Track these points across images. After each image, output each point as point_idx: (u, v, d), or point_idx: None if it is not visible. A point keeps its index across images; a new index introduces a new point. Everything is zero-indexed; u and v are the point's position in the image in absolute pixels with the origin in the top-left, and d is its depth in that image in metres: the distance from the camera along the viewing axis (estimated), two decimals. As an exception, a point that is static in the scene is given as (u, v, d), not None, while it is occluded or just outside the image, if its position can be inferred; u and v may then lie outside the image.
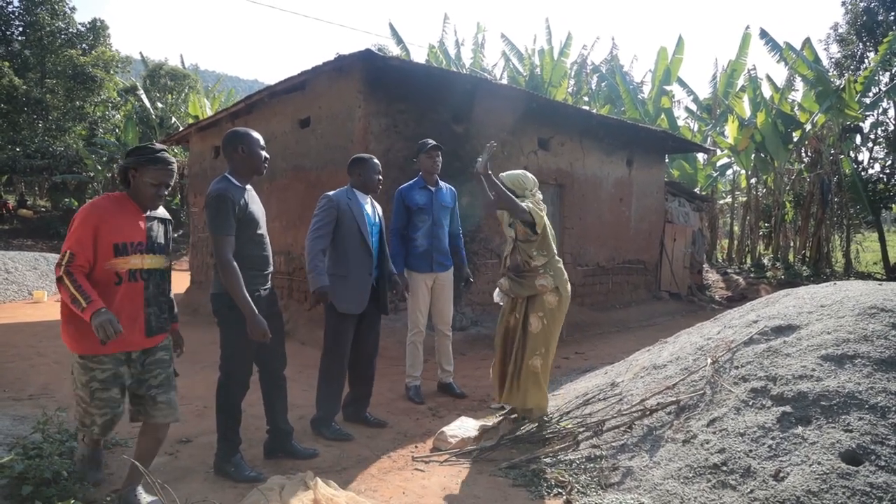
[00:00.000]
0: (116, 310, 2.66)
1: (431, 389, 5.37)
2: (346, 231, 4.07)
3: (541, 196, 4.12)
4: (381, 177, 4.31)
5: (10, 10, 25.34)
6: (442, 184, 5.15)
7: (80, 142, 23.67)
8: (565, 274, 4.04)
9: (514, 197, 3.91)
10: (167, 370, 2.94)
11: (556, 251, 4.05)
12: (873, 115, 18.22)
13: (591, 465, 3.37)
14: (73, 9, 26.39)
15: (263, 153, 3.39)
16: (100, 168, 22.54)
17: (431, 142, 5.02)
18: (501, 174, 4.10)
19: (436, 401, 5.07)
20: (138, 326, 2.79)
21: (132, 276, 2.76)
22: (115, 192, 2.84)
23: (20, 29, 25.62)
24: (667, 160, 14.88)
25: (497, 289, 4.18)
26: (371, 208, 4.27)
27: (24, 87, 23.17)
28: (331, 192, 4.17)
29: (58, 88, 24.22)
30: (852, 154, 18.21)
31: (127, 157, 2.81)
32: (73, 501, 2.63)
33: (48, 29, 25.01)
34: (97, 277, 2.68)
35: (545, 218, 4.02)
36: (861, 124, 17.50)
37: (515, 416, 4.13)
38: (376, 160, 4.31)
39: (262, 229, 3.43)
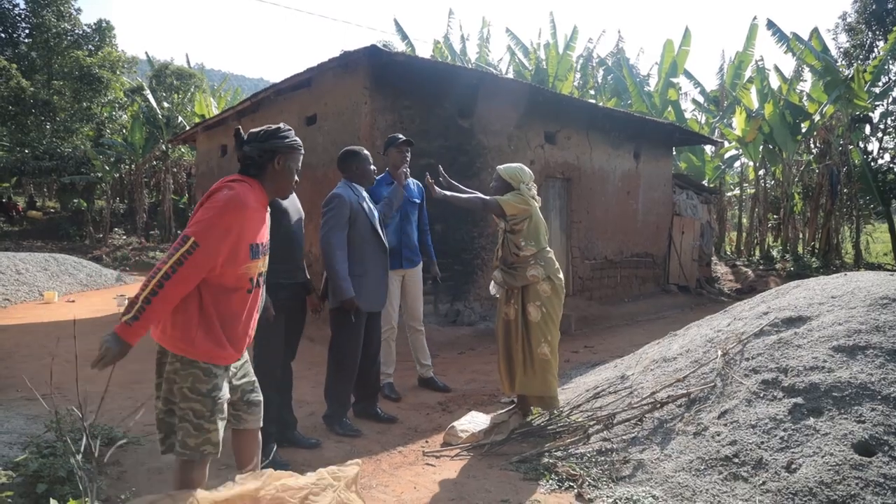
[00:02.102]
0: (245, 318, 2.45)
1: (448, 385, 5.36)
2: (361, 230, 4.04)
3: (535, 189, 4.16)
4: (374, 166, 4.30)
5: (16, 12, 25.49)
6: (410, 180, 5.10)
7: (87, 143, 23.77)
8: (556, 264, 4.10)
9: (478, 194, 4.20)
10: (251, 371, 2.71)
11: (546, 242, 4.10)
12: (883, 105, 18.07)
13: (602, 458, 3.37)
14: (78, 10, 26.50)
15: None
16: (108, 169, 22.62)
17: (402, 136, 4.96)
18: (499, 167, 4.20)
19: (445, 396, 5.07)
20: (251, 332, 2.55)
21: (258, 281, 2.49)
22: (243, 178, 2.43)
23: (27, 31, 25.77)
24: (674, 153, 14.82)
25: (492, 281, 4.21)
26: (368, 202, 4.25)
27: (32, 88, 23.29)
28: (338, 191, 4.09)
29: (65, 90, 24.34)
30: (862, 144, 18.05)
31: (269, 140, 2.46)
32: (87, 499, 2.64)
33: (54, 31, 25.11)
34: (228, 284, 2.35)
35: (537, 209, 4.07)
36: (870, 114, 17.33)
37: (523, 410, 4.13)
38: (367, 152, 4.29)
39: (289, 223, 3.51)
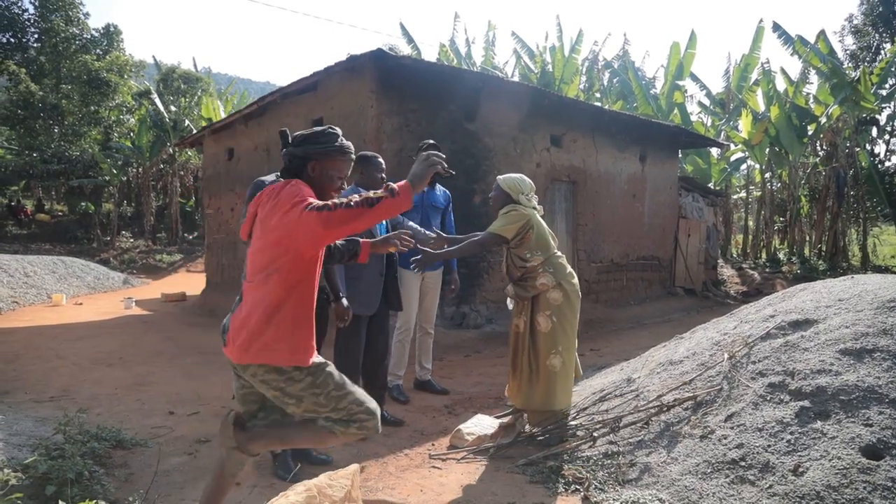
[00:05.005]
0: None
1: (454, 388, 5.38)
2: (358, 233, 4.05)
3: (536, 199, 4.08)
4: (384, 175, 4.31)
5: (25, 17, 25.67)
6: (436, 185, 5.14)
7: (95, 146, 23.88)
8: (568, 268, 3.96)
9: (471, 240, 3.99)
10: None
11: (554, 248, 3.98)
12: (890, 107, 17.99)
13: (609, 461, 3.36)
14: (86, 14, 26.64)
15: None
16: (115, 172, 22.77)
17: (430, 142, 5.03)
18: (499, 177, 4.08)
19: (451, 398, 5.08)
20: None
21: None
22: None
23: (35, 35, 25.93)
24: (680, 155, 14.80)
25: (507, 296, 4.15)
26: None
27: (41, 92, 23.43)
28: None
29: (73, 94, 24.46)
30: (868, 147, 17.99)
31: (302, 145, 2.32)
32: (95, 501, 2.66)
33: (63, 35, 25.27)
34: (314, 271, 2.29)
35: (538, 217, 3.96)
36: (877, 116, 17.29)
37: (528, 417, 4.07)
38: (381, 159, 4.29)
39: None
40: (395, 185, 2.09)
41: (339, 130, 2.39)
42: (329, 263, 2.73)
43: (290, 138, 2.36)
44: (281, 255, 2.17)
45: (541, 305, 3.84)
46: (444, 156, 2.27)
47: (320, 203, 2.06)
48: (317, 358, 2.30)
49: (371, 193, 2.08)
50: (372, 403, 2.35)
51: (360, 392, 2.36)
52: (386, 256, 4.21)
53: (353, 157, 2.43)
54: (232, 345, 2.26)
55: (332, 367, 2.32)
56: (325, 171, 2.33)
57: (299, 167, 2.32)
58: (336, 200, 2.07)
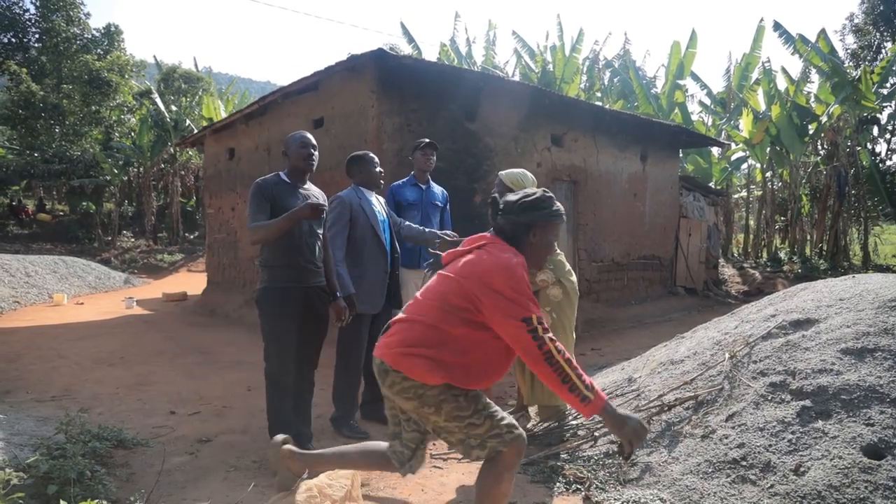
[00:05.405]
0: None
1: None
2: (362, 232, 4.07)
3: None
4: (381, 170, 4.32)
5: (26, 17, 25.72)
6: (433, 184, 5.15)
7: (96, 146, 23.91)
8: (567, 265, 4.00)
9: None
10: None
11: (555, 245, 4.02)
12: (891, 106, 17.93)
13: (610, 460, 3.36)
14: (87, 14, 26.69)
15: (305, 151, 3.56)
16: (116, 172, 22.78)
17: (427, 140, 5.04)
18: (501, 172, 4.08)
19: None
20: None
21: None
22: (497, 240, 2.35)
23: (37, 35, 25.99)
24: (681, 155, 14.79)
25: None
26: (378, 204, 4.28)
27: (42, 92, 23.46)
28: (342, 193, 4.16)
29: (74, 93, 24.49)
30: (870, 146, 17.96)
31: (525, 213, 2.33)
32: (97, 501, 2.66)
33: (64, 35, 25.32)
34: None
35: None
36: (878, 115, 17.26)
37: (534, 413, 4.11)
38: (373, 155, 4.32)
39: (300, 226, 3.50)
40: (595, 395, 2.10)
41: (551, 193, 2.43)
42: None
43: (500, 205, 2.39)
44: (477, 318, 2.22)
45: (541, 301, 3.86)
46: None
47: (541, 334, 2.10)
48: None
49: (576, 375, 2.10)
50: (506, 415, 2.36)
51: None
52: (391, 255, 4.23)
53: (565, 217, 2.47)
54: (383, 340, 2.35)
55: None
56: (544, 237, 2.38)
57: (522, 234, 2.35)
58: (559, 346, 2.11)
